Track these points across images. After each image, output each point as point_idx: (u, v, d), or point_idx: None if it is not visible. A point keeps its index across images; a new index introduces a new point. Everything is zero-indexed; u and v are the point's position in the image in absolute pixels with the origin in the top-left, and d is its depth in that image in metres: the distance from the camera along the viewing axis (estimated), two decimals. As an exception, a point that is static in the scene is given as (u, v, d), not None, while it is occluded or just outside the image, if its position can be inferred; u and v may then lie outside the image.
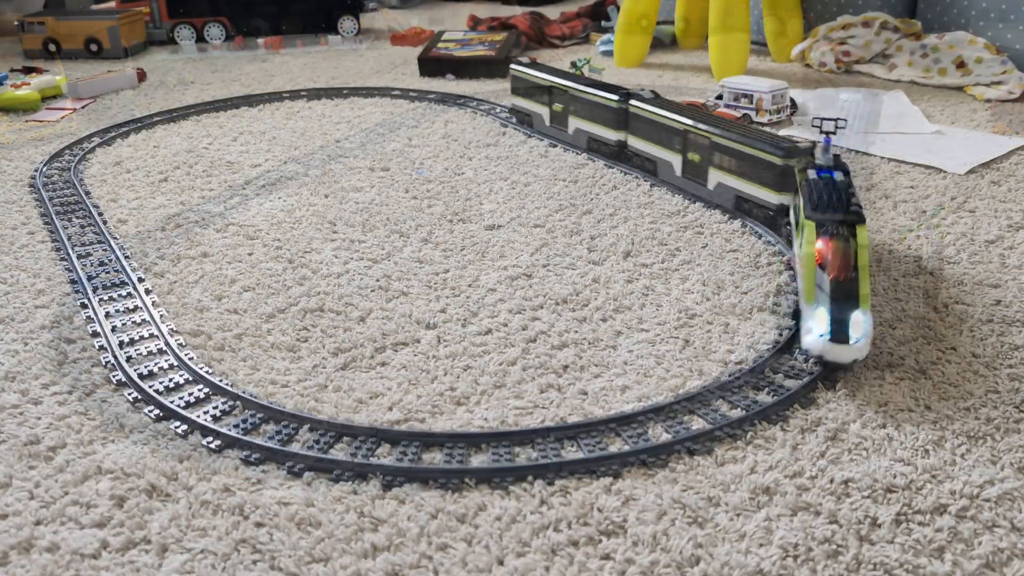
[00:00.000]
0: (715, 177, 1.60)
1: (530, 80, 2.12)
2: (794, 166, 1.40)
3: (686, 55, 3.16)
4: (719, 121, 1.62)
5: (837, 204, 1.15)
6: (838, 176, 1.23)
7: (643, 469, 0.89)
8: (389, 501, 0.85)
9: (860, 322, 1.04)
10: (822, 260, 1.10)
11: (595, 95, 1.89)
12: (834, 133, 1.32)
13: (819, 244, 1.11)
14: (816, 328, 1.06)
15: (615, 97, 1.83)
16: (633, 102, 1.80)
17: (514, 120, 2.22)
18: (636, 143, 1.82)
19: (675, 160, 1.70)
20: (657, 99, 1.78)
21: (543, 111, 2.09)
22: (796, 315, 1.18)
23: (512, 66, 2.19)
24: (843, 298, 1.06)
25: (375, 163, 1.91)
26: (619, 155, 1.87)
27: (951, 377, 1.04)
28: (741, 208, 1.55)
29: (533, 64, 2.15)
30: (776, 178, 1.46)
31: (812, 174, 1.25)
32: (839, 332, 1.04)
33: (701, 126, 1.61)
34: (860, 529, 0.80)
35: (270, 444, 0.93)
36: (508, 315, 1.22)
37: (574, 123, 1.99)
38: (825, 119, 1.34)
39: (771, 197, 1.48)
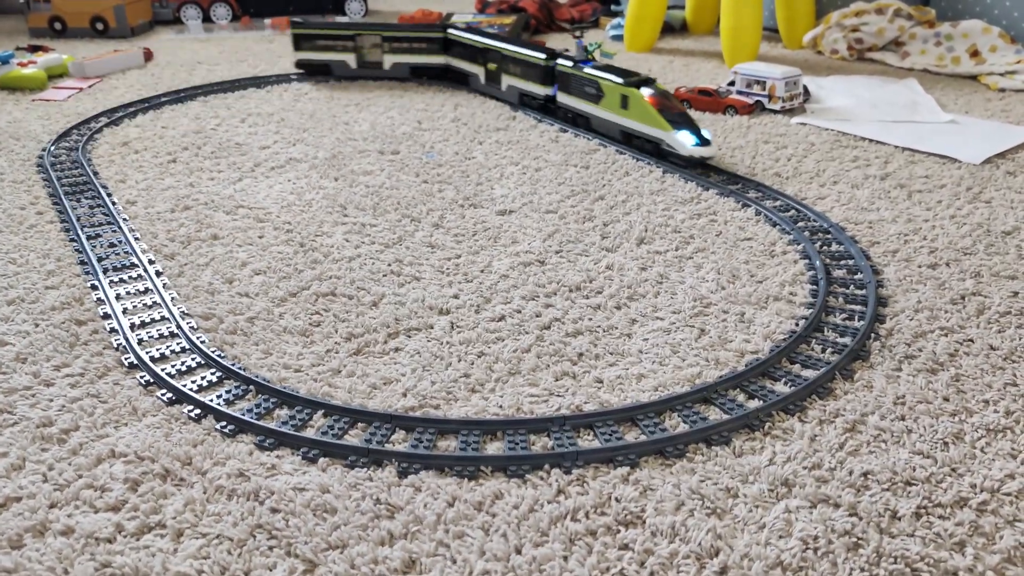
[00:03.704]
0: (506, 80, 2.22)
1: (466, 43, 2.40)
2: (555, 66, 2.06)
3: (697, 40, 3.13)
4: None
5: (633, 74, 1.84)
6: (598, 63, 1.98)
7: (660, 459, 0.88)
8: (405, 488, 0.84)
9: (707, 132, 1.72)
10: (659, 105, 1.74)
11: (524, 55, 2.17)
12: (580, 36, 2.05)
13: (647, 93, 1.77)
14: (687, 142, 1.68)
15: (543, 56, 2.12)
16: (450, 31, 2.36)
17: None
18: (456, 63, 2.38)
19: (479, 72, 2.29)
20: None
21: (479, 71, 2.37)
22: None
23: (448, 30, 2.46)
24: (690, 121, 1.73)
25: (385, 146, 1.90)
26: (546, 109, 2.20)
27: (969, 370, 1.03)
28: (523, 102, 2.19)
29: (468, 28, 2.44)
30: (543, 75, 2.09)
31: (585, 66, 1.97)
32: (703, 138, 1.70)
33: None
34: (880, 522, 0.79)
35: (284, 429, 0.92)
36: (521, 302, 1.21)
37: (507, 80, 2.27)
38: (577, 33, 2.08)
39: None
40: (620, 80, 1.82)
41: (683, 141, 1.67)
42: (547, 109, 2.13)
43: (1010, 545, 0.77)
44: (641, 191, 1.62)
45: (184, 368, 1.05)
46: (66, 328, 1.14)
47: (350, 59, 2.47)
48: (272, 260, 1.35)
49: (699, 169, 1.73)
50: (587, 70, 1.95)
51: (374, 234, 1.44)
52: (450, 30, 2.41)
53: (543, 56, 2.09)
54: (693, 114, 2.15)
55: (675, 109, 1.73)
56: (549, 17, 3.40)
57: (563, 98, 2.04)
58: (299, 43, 2.53)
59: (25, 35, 3.26)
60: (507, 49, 2.20)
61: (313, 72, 2.55)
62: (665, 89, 1.78)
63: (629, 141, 1.84)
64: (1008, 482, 0.84)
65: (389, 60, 2.44)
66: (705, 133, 1.70)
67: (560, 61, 2.05)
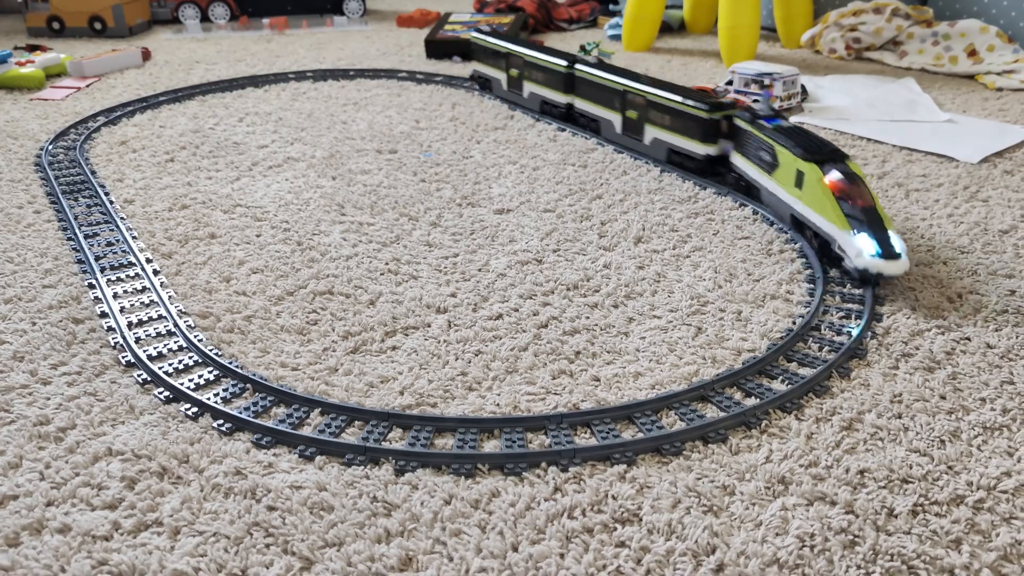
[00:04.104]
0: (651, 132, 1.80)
1: (489, 47, 2.26)
2: (723, 120, 1.61)
3: (695, 40, 3.14)
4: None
5: (819, 144, 1.35)
6: (785, 123, 1.43)
7: (657, 457, 0.88)
8: (402, 486, 0.84)
9: (897, 240, 1.20)
10: (840, 192, 1.25)
11: (546, 61, 2.03)
12: (770, 86, 1.58)
13: (832, 178, 1.27)
14: (865, 249, 1.19)
15: (564, 63, 1.98)
16: (578, 67, 1.96)
17: (475, 86, 2.38)
18: (582, 104, 1.98)
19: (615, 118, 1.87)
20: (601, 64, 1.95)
21: (501, 76, 2.24)
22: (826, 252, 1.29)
23: (472, 34, 2.35)
24: (877, 221, 1.22)
25: (382, 145, 1.90)
26: (567, 116, 2.04)
27: (966, 368, 1.03)
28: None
29: (493, 32, 2.30)
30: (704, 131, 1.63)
31: (765, 124, 1.46)
32: (888, 249, 1.19)
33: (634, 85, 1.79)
34: (877, 520, 0.79)
35: (281, 427, 0.92)
36: (519, 300, 1.21)
37: (528, 87, 2.13)
38: (752, 78, 1.58)
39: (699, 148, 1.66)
40: (799, 150, 1.34)
41: (860, 247, 1.20)
42: (707, 172, 1.66)
43: (1006, 542, 0.77)
44: (639, 190, 1.62)
45: (181, 366, 1.05)
46: (63, 327, 1.14)
47: (503, 78, 2.25)
48: (269, 259, 1.35)
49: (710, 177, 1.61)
50: (763, 128, 1.46)
51: (371, 233, 1.44)
52: (578, 65, 1.96)
53: (706, 107, 1.60)
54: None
55: (861, 200, 1.24)
56: (547, 16, 3.40)
57: (737, 160, 1.59)
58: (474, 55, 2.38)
59: (23, 34, 3.26)
60: (655, 93, 1.72)
61: (482, 87, 2.37)
62: (857, 171, 1.29)
63: (800, 229, 1.39)
64: (1004, 480, 0.84)
65: (528, 88, 2.15)
66: (895, 240, 1.20)
67: (736, 113, 1.58)
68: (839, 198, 1.25)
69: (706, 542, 0.77)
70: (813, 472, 0.86)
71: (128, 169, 1.76)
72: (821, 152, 1.33)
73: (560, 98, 2.03)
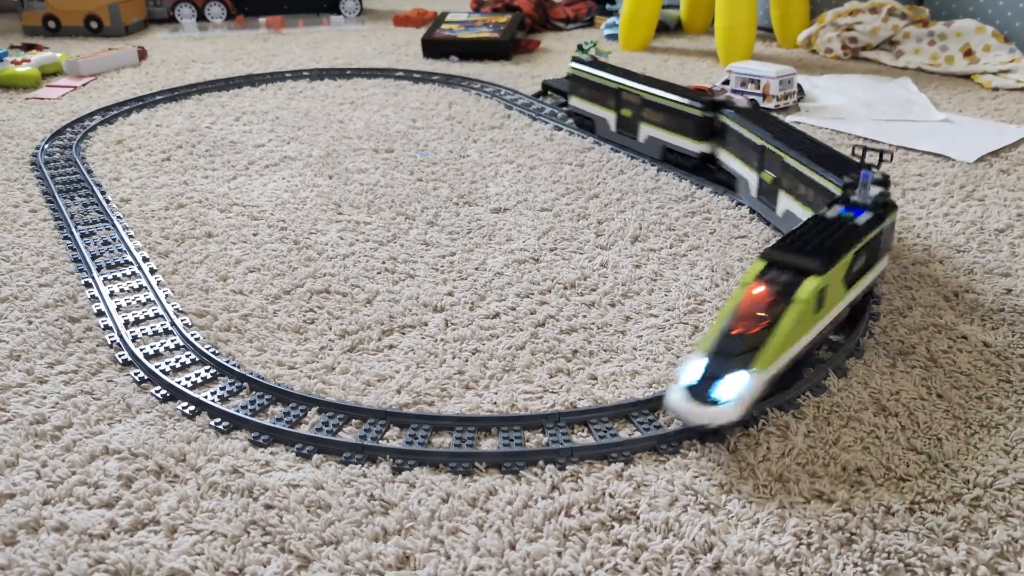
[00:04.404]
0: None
1: (593, 80, 1.91)
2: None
3: (691, 39, 3.14)
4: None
5: (812, 252, 0.97)
6: (862, 220, 1.05)
7: (655, 455, 0.88)
8: (399, 484, 0.84)
9: (736, 384, 0.87)
10: (744, 309, 0.93)
11: (675, 101, 1.67)
12: (878, 167, 1.12)
13: (755, 288, 0.94)
14: (683, 378, 0.89)
15: (699, 105, 1.62)
16: (726, 111, 1.59)
17: (573, 125, 2.01)
18: (725, 157, 1.61)
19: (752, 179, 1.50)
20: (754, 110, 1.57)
21: (608, 115, 1.89)
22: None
23: (572, 64, 2.00)
24: (730, 353, 0.90)
25: (379, 145, 1.90)
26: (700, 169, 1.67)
27: (963, 366, 1.04)
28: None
29: (595, 62, 1.95)
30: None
31: (831, 211, 1.08)
32: (700, 389, 0.87)
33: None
34: (874, 517, 0.79)
35: (278, 426, 0.92)
36: (516, 299, 1.21)
37: (646, 130, 1.78)
38: (869, 148, 1.14)
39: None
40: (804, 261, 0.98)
41: (683, 371, 0.91)
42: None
43: (1003, 540, 0.77)
44: (635, 189, 1.62)
45: (178, 365, 1.05)
46: (60, 325, 1.13)
47: (610, 118, 1.89)
48: (266, 258, 1.34)
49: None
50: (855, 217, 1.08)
51: (368, 232, 1.44)
52: (725, 111, 1.61)
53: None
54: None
55: (755, 328, 0.91)
56: (544, 16, 3.40)
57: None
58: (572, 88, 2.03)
59: (19, 33, 3.25)
60: (802, 160, 1.32)
61: (580, 124, 2.02)
62: (812, 287, 0.93)
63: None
64: (1001, 478, 0.84)
65: (645, 131, 1.79)
66: (731, 386, 0.87)
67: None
68: (734, 315, 0.93)
69: (703, 540, 0.77)
70: (810, 470, 0.86)
71: (124, 168, 1.76)
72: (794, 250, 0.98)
73: (692, 146, 1.67)
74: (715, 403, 0.86)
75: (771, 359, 0.90)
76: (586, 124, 1.99)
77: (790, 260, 0.96)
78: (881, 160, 1.13)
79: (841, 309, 1.04)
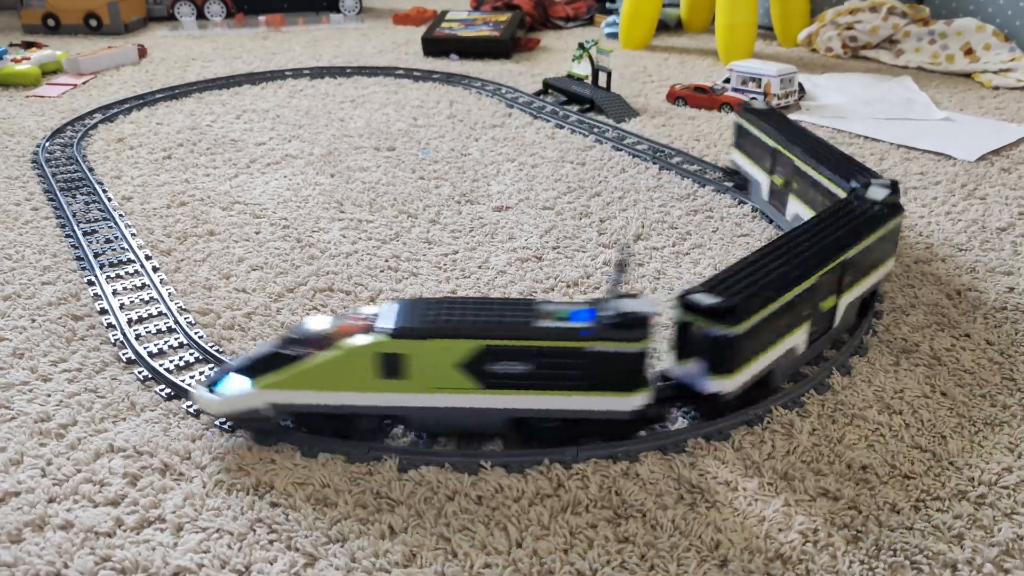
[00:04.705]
0: None
1: (756, 135, 1.50)
2: None
3: (692, 38, 3.14)
4: None
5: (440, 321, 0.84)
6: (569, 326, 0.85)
7: (660, 454, 0.88)
8: (406, 482, 0.84)
9: (236, 384, 0.87)
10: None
11: (823, 175, 1.26)
12: (623, 272, 0.94)
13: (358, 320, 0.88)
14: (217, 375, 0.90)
15: (849, 186, 1.18)
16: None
17: (731, 184, 1.61)
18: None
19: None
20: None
21: (763, 179, 1.49)
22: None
23: (738, 113, 1.58)
24: (253, 368, 0.88)
25: (380, 143, 1.89)
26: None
27: (966, 364, 1.04)
28: None
29: (769, 112, 1.53)
30: None
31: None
32: (215, 381, 0.88)
33: None
34: (879, 515, 0.79)
35: (284, 424, 0.92)
36: (519, 297, 1.21)
37: (793, 207, 1.38)
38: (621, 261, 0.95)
39: None
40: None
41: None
42: None
43: (1008, 537, 0.77)
44: (638, 187, 1.62)
45: (182, 363, 1.04)
46: (63, 323, 1.13)
47: (764, 182, 1.47)
48: (269, 256, 1.34)
49: None
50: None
51: (371, 230, 1.44)
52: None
53: None
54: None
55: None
56: (544, 14, 3.40)
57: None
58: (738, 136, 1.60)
59: (19, 31, 3.24)
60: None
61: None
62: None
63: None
64: (1006, 475, 0.85)
65: (793, 208, 1.36)
66: (225, 384, 0.88)
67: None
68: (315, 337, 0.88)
69: (710, 538, 0.77)
70: (815, 468, 0.86)
71: (125, 166, 1.76)
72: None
73: None
74: (211, 395, 0.87)
75: (273, 384, 0.87)
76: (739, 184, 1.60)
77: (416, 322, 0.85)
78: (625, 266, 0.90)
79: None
